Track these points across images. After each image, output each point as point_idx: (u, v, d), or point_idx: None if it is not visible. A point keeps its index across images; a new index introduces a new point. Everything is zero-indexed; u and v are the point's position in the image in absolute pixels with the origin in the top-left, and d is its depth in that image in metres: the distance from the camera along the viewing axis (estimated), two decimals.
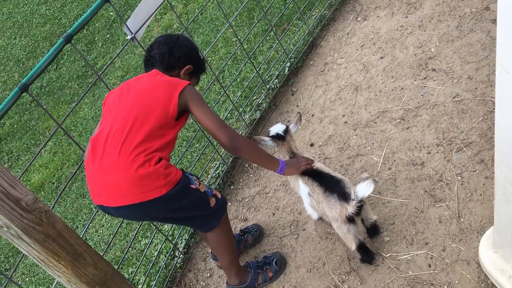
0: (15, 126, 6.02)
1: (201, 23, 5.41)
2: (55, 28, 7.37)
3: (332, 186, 2.33)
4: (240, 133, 3.50)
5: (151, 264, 2.98)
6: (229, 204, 3.23)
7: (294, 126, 2.59)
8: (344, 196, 2.28)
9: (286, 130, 2.58)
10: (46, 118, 5.83)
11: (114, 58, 2.62)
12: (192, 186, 2.13)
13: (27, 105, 6.29)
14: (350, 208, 2.24)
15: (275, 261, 2.72)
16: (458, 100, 3.01)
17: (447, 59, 3.30)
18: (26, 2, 8.56)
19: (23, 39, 7.61)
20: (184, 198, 2.07)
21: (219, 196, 2.35)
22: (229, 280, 2.65)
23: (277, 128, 2.61)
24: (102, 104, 2.21)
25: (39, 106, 6.10)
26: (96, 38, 6.65)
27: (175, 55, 2.26)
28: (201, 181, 2.68)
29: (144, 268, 3.04)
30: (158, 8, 2.97)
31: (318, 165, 2.51)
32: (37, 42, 7.35)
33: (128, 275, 3.10)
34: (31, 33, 7.61)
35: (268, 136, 2.62)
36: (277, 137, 2.61)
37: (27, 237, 1.96)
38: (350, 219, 2.29)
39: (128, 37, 2.63)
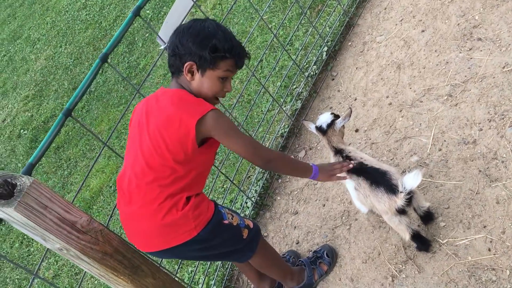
0: (70, 133, 6.25)
1: (235, 12, 5.37)
2: (97, 32, 7.54)
3: (378, 179, 2.27)
4: (271, 147, 3.47)
5: (209, 263, 3.04)
6: (278, 197, 3.23)
7: (341, 121, 2.51)
8: (391, 188, 2.22)
9: (331, 124, 2.53)
10: (98, 122, 6.01)
11: (150, 72, 2.64)
12: (225, 221, 2.07)
13: (79, 111, 6.51)
14: (399, 201, 2.18)
15: (326, 253, 2.70)
16: (508, 70, 2.84)
17: (493, 26, 3.11)
18: (67, 9, 8.79)
19: (68, 47, 7.84)
20: (216, 237, 2.03)
21: (251, 225, 2.25)
22: (287, 286, 2.63)
23: (323, 119, 2.56)
24: (129, 121, 2.13)
25: (90, 112, 6.31)
26: (136, 38, 6.75)
27: (172, 54, 1.96)
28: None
29: (202, 268, 3.11)
30: (188, 12, 2.97)
31: (362, 155, 2.45)
32: (81, 48, 7.55)
33: (188, 274, 3.18)
34: (75, 40, 7.83)
35: (315, 125, 2.59)
36: (320, 129, 2.57)
37: (85, 257, 2.04)
38: (401, 211, 2.23)
39: (162, 47, 2.65)
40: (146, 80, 5.97)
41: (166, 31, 2.56)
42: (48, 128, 6.46)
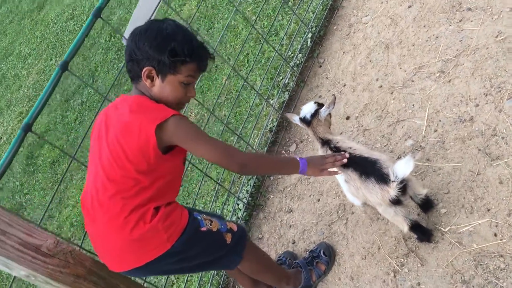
0: (65, 146, 6.14)
1: (220, 7, 5.20)
2: (85, 42, 7.41)
3: (367, 169, 2.10)
4: (260, 142, 3.30)
5: (202, 272, 2.88)
6: (271, 196, 3.07)
7: (326, 110, 2.34)
8: (382, 178, 2.04)
9: (315, 113, 2.36)
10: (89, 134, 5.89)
11: (118, 76, 2.49)
12: (203, 229, 1.90)
13: (72, 124, 6.39)
14: (392, 191, 2.01)
15: (323, 252, 2.54)
16: (502, 39, 2.64)
17: None
18: (56, 21, 8.67)
19: (58, 59, 7.72)
20: (194, 246, 1.87)
21: (235, 228, 2.08)
22: None
23: (307, 109, 2.40)
24: (92, 130, 1.98)
25: (83, 123, 6.19)
26: (124, 45, 6.61)
27: (129, 59, 1.82)
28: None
29: (196, 277, 2.95)
30: (155, 10, 2.81)
31: (352, 144, 2.28)
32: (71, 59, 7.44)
33: (184, 283, 3.03)
34: (65, 51, 7.70)
35: (299, 117, 2.42)
36: (304, 120, 2.40)
37: (55, 282, 1.90)
38: (395, 202, 2.06)
39: None
40: (108, 99, 5.83)
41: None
42: (42, 144, 6.36)
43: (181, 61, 1.79)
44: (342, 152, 2.20)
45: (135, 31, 1.84)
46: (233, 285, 2.83)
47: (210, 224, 1.98)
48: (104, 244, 1.83)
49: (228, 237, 2.03)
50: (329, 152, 2.30)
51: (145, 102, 1.80)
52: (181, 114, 1.80)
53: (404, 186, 2.02)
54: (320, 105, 2.36)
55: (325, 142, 2.34)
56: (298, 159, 2.07)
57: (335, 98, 2.36)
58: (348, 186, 2.23)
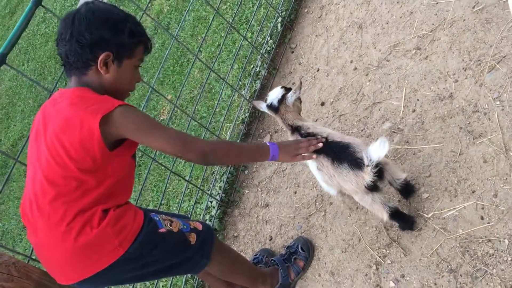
0: None
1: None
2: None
3: (339, 154, 1.92)
4: (232, 135, 3.10)
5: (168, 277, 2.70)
6: (246, 191, 2.89)
7: (292, 95, 2.15)
8: (356, 163, 1.87)
9: (282, 99, 2.18)
10: None
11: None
12: (161, 230, 1.71)
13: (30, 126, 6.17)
14: (367, 176, 1.83)
15: (300, 247, 2.36)
16: (479, 9, 2.48)
17: None
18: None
19: (31, 63, 7.48)
20: (153, 250, 1.68)
21: (200, 227, 1.88)
22: None
23: (273, 95, 2.22)
24: (30, 129, 1.75)
25: None
26: None
27: (78, 46, 1.57)
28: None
29: (165, 280, 2.76)
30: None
31: (323, 129, 2.10)
32: (43, 63, 7.19)
33: None
34: (37, 55, 7.46)
35: (266, 103, 2.24)
36: (271, 107, 2.22)
37: None
38: (372, 188, 1.89)
39: None
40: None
41: None
42: (16, 151, 6.13)
43: (137, 42, 1.65)
44: (318, 136, 2.02)
45: (78, 15, 1.60)
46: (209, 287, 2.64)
47: (170, 225, 1.78)
48: (48, 255, 1.64)
49: (192, 237, 1.84)
50: (300, 138, 2.12)
51: (86, 94, 1.60)
52: (128, 103, 1.60)
53: (380, 170, 1.85)
54: (288, 90, 2.18)
55: (295, 129, 2.16)
56: (268, 144, 1.89)
57: (301, 83, 2.19)
58: (321, 174, 2.06)
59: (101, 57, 1.58)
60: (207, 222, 2.76)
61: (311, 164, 2.10)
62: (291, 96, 2.14)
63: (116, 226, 1.60)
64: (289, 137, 2.22)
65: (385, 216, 1.99)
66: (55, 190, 1.56)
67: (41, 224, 1.60)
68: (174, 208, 3.09)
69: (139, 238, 1.65)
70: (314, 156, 2.02)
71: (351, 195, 2.06)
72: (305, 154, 1.98)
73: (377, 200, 1.96)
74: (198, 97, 3.23)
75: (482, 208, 1.97)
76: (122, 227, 1.62)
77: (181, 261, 1.84)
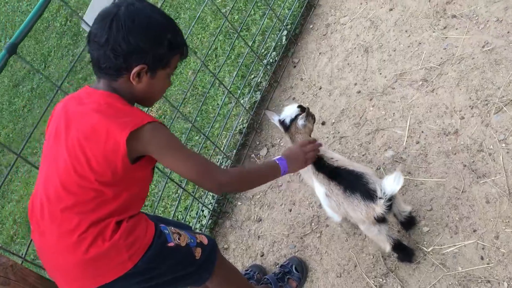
0: (11, 135, 5.70)
1: None
2: (38, 24, 6.94)
3: (352, 183, 1.92)
4: (228, 144, 3.06)
5: None
6: (239, 203, 2.86)
7: (301, 120, 2.13)
8: (368, 194, 1.87)
9: (295, 119, 2.16)
10: (41, 123, 5.48)
11: (74, 63, 2.21)
12: (170, 244, 1.66)
13: (20, 111, 5.95)
14: (379, 209, 1.84)
15: (294, 268, 2.35)
16: (488, 50, 2.54)
17: (468, 1, 2.80)
18: (7, 0, 8.11)
19: (8, 41, 7.21)
20: (161, 264, 1.63)
21: (206, 241, 1.85)
22: None
23: (288, 112, 2.18)
24: (47, 125, 1.67)
25: (32, 112, 5.79)
26: (81, 29, 6.21)
27: (112, 54, 1.49)
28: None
29: None
30: None
31: (333, 155, 2.10)
32: (22, 42, 6.94)
33: None
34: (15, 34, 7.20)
35: (278, 118, 2.21)
36: (283, 124, 2.20)
37: None
38: (380, 220, 1.90)
39: None
40: (92, 74, 5.47)
41: (93, 15, 2.11)
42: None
43: (176, 53, 1.58)
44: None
45: (116, 19, 1.50)
46: None
47: (178, 239, 1.74)
48: (54, 261, 1.57)
49: (198, 252, 1.80)
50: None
51: (115, 103, 1.53)
52: (157, 120, 1.55)
53: (390, 204, 1.86)
54: (303, 110, 2.16)
55: None
56: (276, 162, 1.87)
57: (307, 111, 2.15)
58: (329, 200, 2.05)
59: (135, 70, 1.51)
60: (198, 231, 2.72)
61: (319, 189, 2.09)
62: (300, 121, 2.12)
63: (128, 240, 1.55)
64: None
65: (388, 247, 2.01)
66: (71, 199, 1.49)
67: (51, 230, 1.53)
68: (163, 213, 3.03)
69: (149, 252, 1.60)
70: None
71: (356, 223, 2.07)
72: (312, 158, 1.98)
73: (383, 232, 1.98)
74: (190, 99, 3.19)
75: (483, 248, 2.02)
76: (134, 241, 1.56)
77: (186, 275, 1.81)
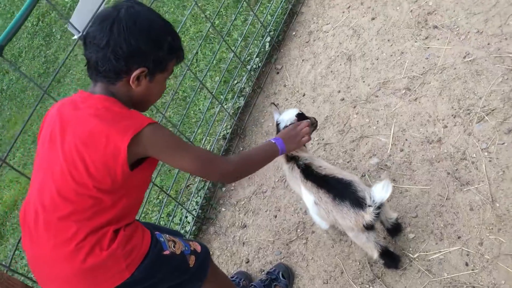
0: None
1: (165, 0, 4.89)
2: (8, 23, 6.76)
3: (341, 191, 1.94)
4: (212, 150, 3.06)
5: None
6: (223, 209, 2.84)
7: None
8: (357, 202, 1.90)
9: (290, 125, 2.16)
10: (11, 125, 5.33)
11: (60, 67, 2.16)
12: (166, 252, 1.65)
13: None
14: (368, 216, 1.86)
15: (281, 274, 2.36)
16: (469, 60, 2.61)
17: (449, 12, 2.87)
18: None
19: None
20: (156, 272, 1.60)
21: (199, 249, 1.84)
22: None
23: (286, 117, 2.18)
24: (39, 130, 1.63)
25: (2, 113, 5.62)
26: (54, 30, 6.08)
27: (113, 56, 1.46)
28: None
29: None
30: None
31: (322, 163, 2.12)
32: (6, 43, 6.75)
33: None
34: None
35: (277, 118, 2.22)
36: (277, 126, 2.20)
37: None
38: (369, 227, 1.92)
39: (76, 37, 2.17)
40: (65, 76, 5.36)
41: (79, 17, 2.08)
42: None
43: (173, 57, 1.56)
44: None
45: (117, 21, 1.46)
46: None
47: (174, 246, 1.72)
48: (48, 271, 1.52)
49: (192, 260, 1.78)
50: (296, 169, 2.13)
51: (113, 107, 1.49)
52: (155, 120, 1.53)
53: (379, 211, 1.88)
54: (301, 117, 2.16)
55: (292, 158, 2.16)
56: (274, 141, 1.88)
57: (312, 122, 2.16)
58: (318, 208, 2.06)
59: (135, 73, 1.48)
60: (190, 238, 2.69)
61: (307, 197, 2.10)
62: None
63: (126, 248, 1.52)
64: (284, 165, 2.21)
65: (375, 254, 2.03)
66: (68, 207, 1.45)
67: (46, 239, 1.48)
68: (144, 219, 2.98)
69: (145, 261, 1.58)
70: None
71: (345, 231, 2.09)
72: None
73: (371, 239, 2.00)
74: (171, 104, 3.14)
75: (467, 255, 2.06)
76: (131, 250, 1.54)
77: (180, 283, 1.79)
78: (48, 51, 5.89)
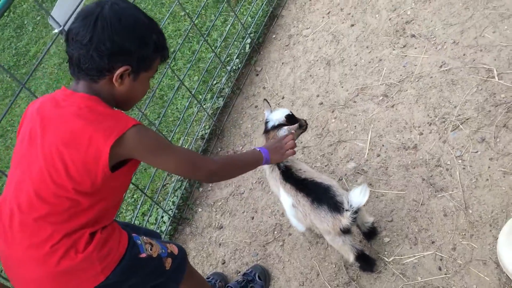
0: None
1: None
2: None
3: (320, 195, 1.97)
4: (204, 153, 3.06)
5: None
6: (199, 209, 2.84)
7: (285, 131, 2.13)
8: (335, 206, 1.92)
9: (277, 126, 2.17)
10: None
11: (40, 60, 2.11)
12: (142, 255, 1.63)
13: None
14: (345, 220, 1.90)
15: (257, 276, 2.36)
16: (445, 70, 2.68)
17: (427, 22, 2.95)
18: None
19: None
20: (131, 276, 1.59)
21: (176, 251, 1.83)
22: None
23: (274, 117, 2.19)
24: (18, 127, 1.59)
25: None
26: (26, 22, 5.94)
27: (96, 54, 1.41)
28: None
29: None
30: None
31: (302, 166, 2.14)
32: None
33: None
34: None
35: (267, 116, 2.23)
36: (265, 124, 2.21)
37: None
38: (345, 231, 1.95)
39: (56, 30, 2.13)
40: (36, 70, 5.23)
41: (60, 11, 2.04)
42: None
43: (158, 56, 1.53)
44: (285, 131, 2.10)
45: (99, 17, 1.42)
46: None
47: (151, 249, 1.70)
48: (22, 273, 1.48)
49: (168, 263, 1.77)
50: (277, 171, 2.14)
51: (97, 106, 1.46)
52: (140, 122, 1.51)
53: (356, 216, 1.92)
54: (290, 120, 2.16)
55: None
56: (259, 150, 1.91)
57: (302, 124, 2.18)
58: (295, 211, 2.08)
59: (118, 71, 1.45)
60: (167, 240, 2.67)
61: (285, 200, 2.11)
62: (283, 131, 2.13)
63: (102, 252, 1.49)
64: (265, 167, 2.23)
65: (351, 257, 2.06)
66: (45, 209, 1.42)
67: (20, 240, 1.45)
68: (118, 218, 2.94)
69: (121, 264, 1.55)
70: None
71: (322, 234, 2.11)
72: (292, 150, 2.01)
73: (347, 242, 2.03)
74: (147, 101, 3.10)
75: (441, 259, 2.12)
76: (107, 253, 1.51)
77: (155, 285, 1.78)
78: (19, 43, 5.75)
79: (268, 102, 2.27)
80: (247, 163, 1.89)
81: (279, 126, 2.13)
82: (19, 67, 5.48)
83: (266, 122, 2.19)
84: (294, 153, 2.02)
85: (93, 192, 1.45)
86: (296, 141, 2.46)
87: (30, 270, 1.46)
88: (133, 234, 1.67)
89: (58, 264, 1.43)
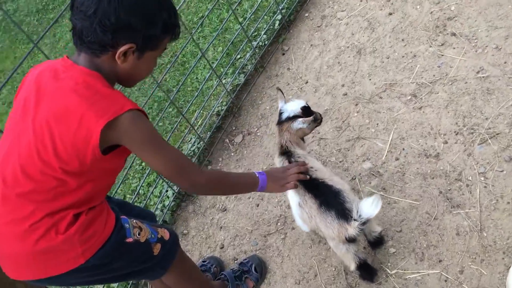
0: None
1: None
2: None
3: (329, 200, 1.86)
4: (204, 125, 2.93)
5: None
6: None
7: (299, 123, 2.01)
8: (343, 213, 1.82)
9: (292, 118, 2.04)
10: (1, 58, 5.16)
11: (67, 6, 2.01)
12: (129, 240, 1.56)
13: None
14: (351, 230, 1.79)
15: (254, 267, 2.30)
16: (482, 77, 2.49)
17: (470, 21, 2.74)
18: None
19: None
20: (115, 261, 1.53)
21: (167, 237, 1.75)
22: None
23: (289, 108, 2.06)
24: (19, 86, 1.51)
25: None
26: None
27: (99, 28, 1.33)
28: None
29: None
30: None
31: (314, 163, 2.02)
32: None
33: None
34: None
35: (281, 106, 2.10)
36: (279, 115, 2.09)
37: None
38: (351, 240, 1.85)
39: None
40: (63, 17, 5.14)
41: None
42: None
43: (167, 35, 1.44)
44: (303, 161, 1.95)
45: None
46: (145, 282, 2.51)
47: (138, 234, 1.63)
48: (1, 246, 1.44)
49: (157, 248, 1.71)
50: (287, 164, 2.03)
51: (96, 83, 1.38)
52: (139, 107, 1.41)
53: (363, 227, 1.81)
54: (306, 112, 2.04)
55: (286, 152, 2.07)
56: (257, 175, 1.80)
57: (318, 116, 2.05)
58: (301, 211, 1.99)
59: (122, 49, 1.37)
60: (159, 212, 2.62)
61: (292, 198, 2.02)
62: (298, 123, 2.01)
63: (84, 235, 1.44)
64: (275, 157, 2.13)
65: (353, 265, 1.98)
66: (29, 185, 1.36)
67: (2, 212, 1.40)
68: (124, 184, 2.90)
69: (105, 247, 1.50)
70: (307, 176, 1.95)
71: (325, 238, 2.02)
72: (293, 183, 1.90)
73: (351, 251, 1.94)
74: (168, 66, 3.01)
75: (445, 281, 2.01)
76: (90, 236, 1.46)
77: (141, 270, 1.73)
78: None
79: (282, 92, 2.14)
80: (239, 185, 1.81)
81: (294, 117, 2.01)
82: (47, 11, 5.41)
83: (281, 113, 2.07)
84: (296, 186, 1.90)
85: (81, 173, 1.38)
86: (312, 132, 2.35)
87: (8, 245, 1.43)
88: (122, 217, 1.61)
89: (36, 243, 1.39)
